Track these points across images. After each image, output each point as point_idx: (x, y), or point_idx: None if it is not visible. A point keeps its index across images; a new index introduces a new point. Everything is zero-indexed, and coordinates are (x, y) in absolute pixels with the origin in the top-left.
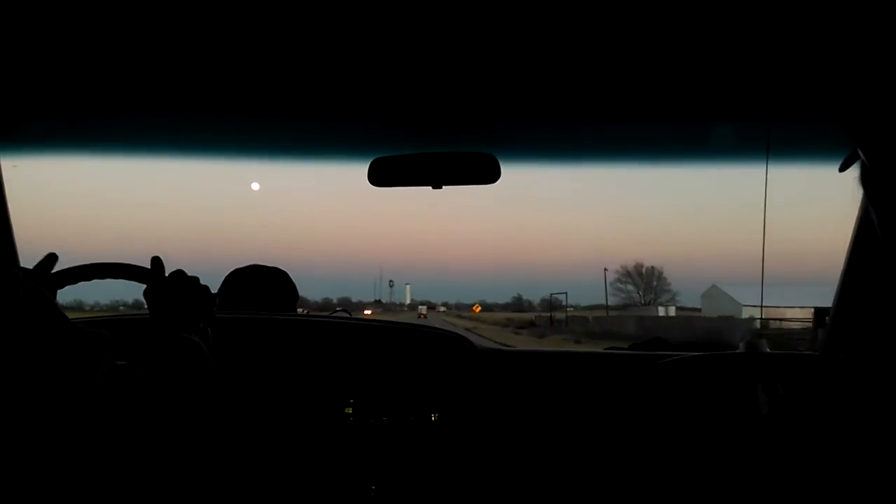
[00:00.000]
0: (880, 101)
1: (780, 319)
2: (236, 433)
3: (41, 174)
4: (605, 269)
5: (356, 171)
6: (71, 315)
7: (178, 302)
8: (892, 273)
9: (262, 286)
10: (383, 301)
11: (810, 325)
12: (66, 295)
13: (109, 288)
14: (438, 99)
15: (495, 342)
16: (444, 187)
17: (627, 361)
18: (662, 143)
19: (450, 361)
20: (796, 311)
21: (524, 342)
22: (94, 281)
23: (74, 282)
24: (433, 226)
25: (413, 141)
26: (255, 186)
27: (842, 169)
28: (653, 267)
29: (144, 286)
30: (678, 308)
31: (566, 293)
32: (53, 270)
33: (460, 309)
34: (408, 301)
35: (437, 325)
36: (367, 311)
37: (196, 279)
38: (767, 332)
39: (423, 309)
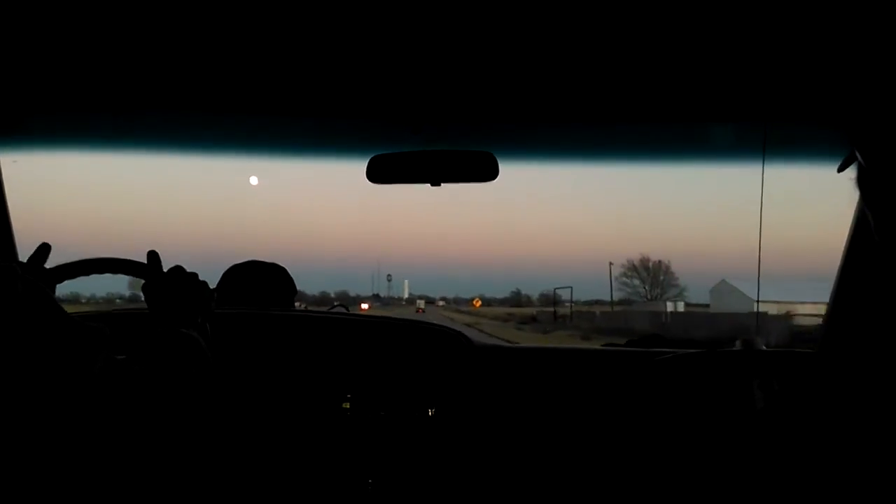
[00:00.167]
0: (878, 104)
1: (794, 315)
2: (234, 428)
3: (40, 169)
4: (611, 264)
5: (356, 167)
6: (68, 308)
7: (177, 298)
8: (888, 273)
9: (260, 282)
10: (381, 295)
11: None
12: (62, 288)
13: (105, 281)
14: (437, 97)
15: (499, 339)
16: (442, 184)
17: (624, 358)
18: (659, 142)
19: (447, 357)
20: (808, 307)
21: (528, 338)
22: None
23: (73, 276)
24: (432, 220)
25: (412, 139)
26: (254, 181)
27: (840, 170)
28: (660, 261)
29: (142, 281)
30: (686, 304)
31: (571, 287)
32: (53, 265)
33: (459, 303)
34: (406, 295)
35: (435, 320)
36: (364, 305)
37: (195, 275)
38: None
39: (421, 303)
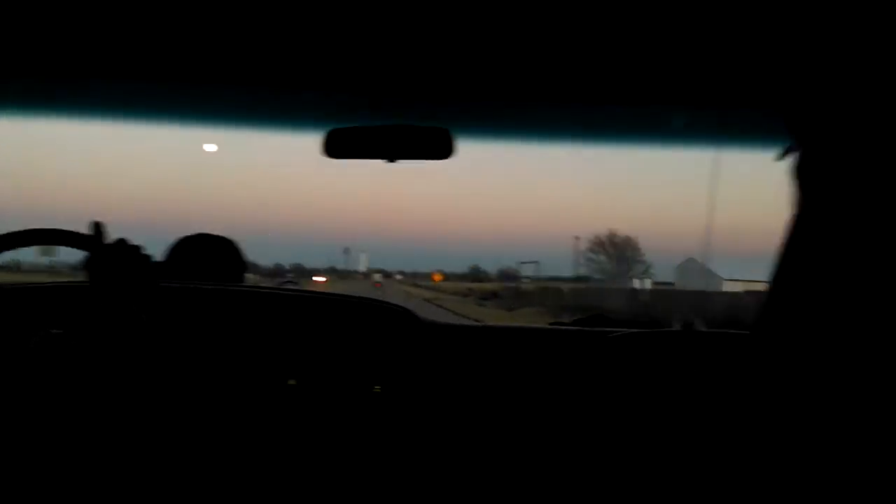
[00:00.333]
0: (815, 93)
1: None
2: (174, 403)
3: None
4: (577, 238)
5: (314, 141)
6: (8, 277)
7: (119, 271)
8: (822, 258)
9: (209, 255)
10: (338, 268)
11: None
12: (2, 256)
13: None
14: (396, 71)
15: (460, 315)
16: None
17: (572, 337)
18: (617, 124)
19: (393, 334)
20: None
21: (492, 316)
22: None
23: (11, 248)
24: (391, 194)
25: (370, 115)
26: (212, 148)
27: (780, 158)
28: (627, 236)
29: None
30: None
31: (537, 262)
32: None
33: (417, 277)
34: (363, 269)
35: (392, 295)
36: (321, 279)
37: (137, 248)
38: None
39: (377, 277)
